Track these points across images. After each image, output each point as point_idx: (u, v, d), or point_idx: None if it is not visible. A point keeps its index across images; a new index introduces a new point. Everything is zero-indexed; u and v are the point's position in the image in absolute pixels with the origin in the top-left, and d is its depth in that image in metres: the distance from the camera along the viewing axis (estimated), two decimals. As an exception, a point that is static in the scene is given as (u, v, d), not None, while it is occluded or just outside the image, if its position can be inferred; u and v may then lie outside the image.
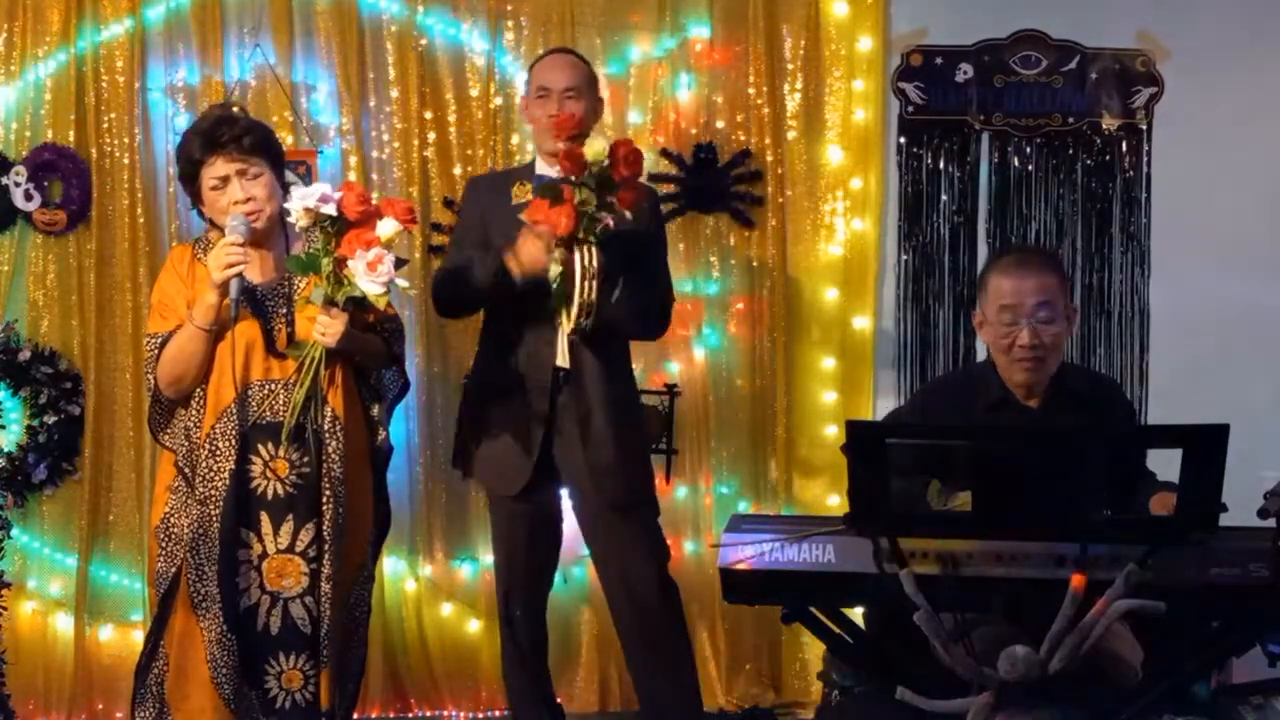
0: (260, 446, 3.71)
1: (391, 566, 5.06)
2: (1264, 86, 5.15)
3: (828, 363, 5.22)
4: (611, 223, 3.86)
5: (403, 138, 5.09)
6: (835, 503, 5.03)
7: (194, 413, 3.76)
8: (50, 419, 4.97)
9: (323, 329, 3.68)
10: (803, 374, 5.22)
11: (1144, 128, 5.20)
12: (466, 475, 4.35)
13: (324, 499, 3.72)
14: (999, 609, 3.28)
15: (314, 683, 3.71)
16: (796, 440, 5.21)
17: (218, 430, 3.72)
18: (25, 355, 4.94)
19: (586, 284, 3.84)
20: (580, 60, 4.33)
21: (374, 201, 3.75)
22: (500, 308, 4.15)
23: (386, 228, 3.69)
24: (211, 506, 3.69)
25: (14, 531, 4.85)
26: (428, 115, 5.09)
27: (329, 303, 3.68)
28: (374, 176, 5.08)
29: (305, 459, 3.71)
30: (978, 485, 3.13)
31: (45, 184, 4.96)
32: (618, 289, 3.96)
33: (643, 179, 4.10)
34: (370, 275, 3.62)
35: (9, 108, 5.00)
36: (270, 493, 3.70)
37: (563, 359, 4.11)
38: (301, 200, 3.64)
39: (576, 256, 3.83)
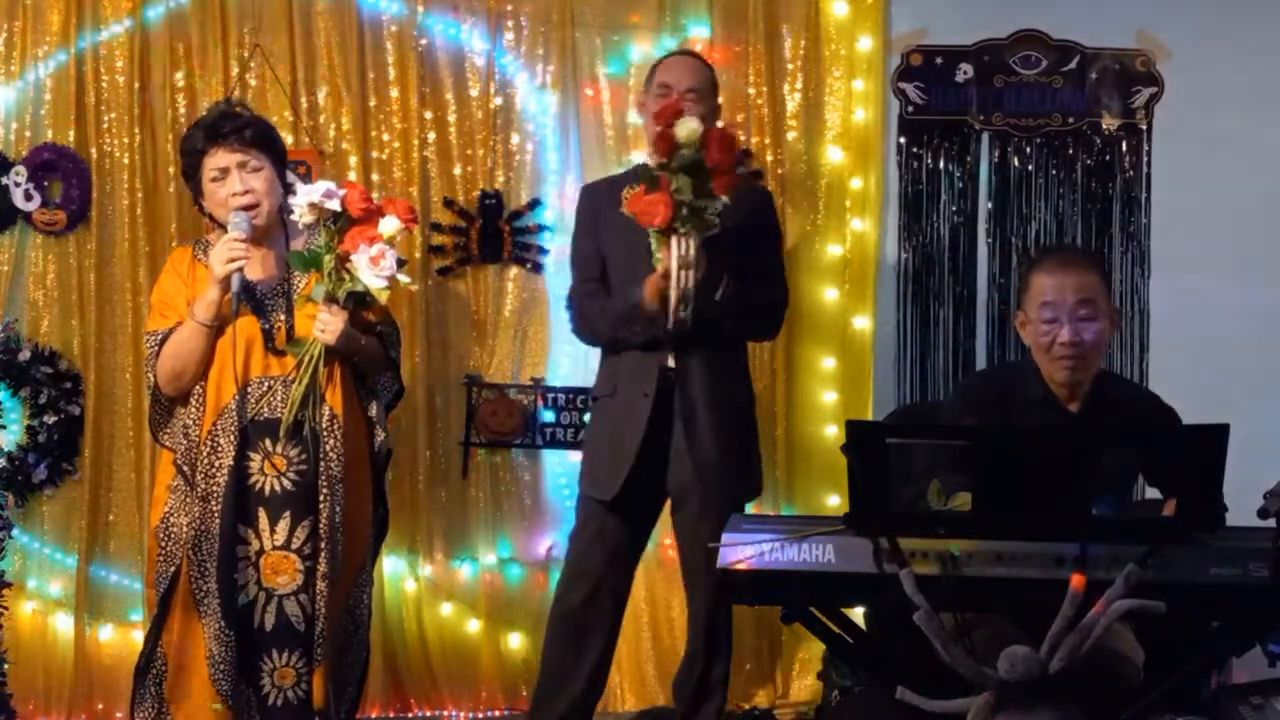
0: (259, 442, 3.71)
1: (391, 566, 5.06)
2: (1264, 86, 5.15)
3: (828, 363, 5.22)
4: (717, 219, 3.86)
5: (403, 138, 5.09)
6: (835, 503, 5.03)
7: (193, 410, 3.77)
8: (50, 419, 4.97)
9: (323, 325, 3.69)
10: (803, 374, 5.22)
11: (1144, 128, 5.20)
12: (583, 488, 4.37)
13: (321, 497, 3.72)
14: (999, 609, 3.29)
15: (306, 680, 3.71)
16: (796, 440, 5.21)
17: (219, 427, 3.72)
18: (25, 355, 4.94)
19: (683, 274, 3.83)
20: (704, 64, 4.37)
21: (375, 201, 3.77)
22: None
23: (389, 225, 3.70)
24: (213, 503, 3.70)
25: (14, 531, 4.85)
26: (428, 115, 5.09)
27: (330, 299, 3.68)
28: (374, 176, 5.07)
29: (303, 456, 3.72)
30: (978, 485, 3.13)
31: (45, 184, 4.96)
32: (723, 287, 3.98)
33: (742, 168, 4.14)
34: (373, 269, 3.64)
35: (9, 108, 5.00)
36: (268, 489, 3.71)
37: (670, 359, 4.14)
38: (306, 195, 3.65)
39: (673, 246, 3.82)
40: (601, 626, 4.30)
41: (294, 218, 3.76)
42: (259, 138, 3.80)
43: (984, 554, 3.06)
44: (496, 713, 5.08)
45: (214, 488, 3.70)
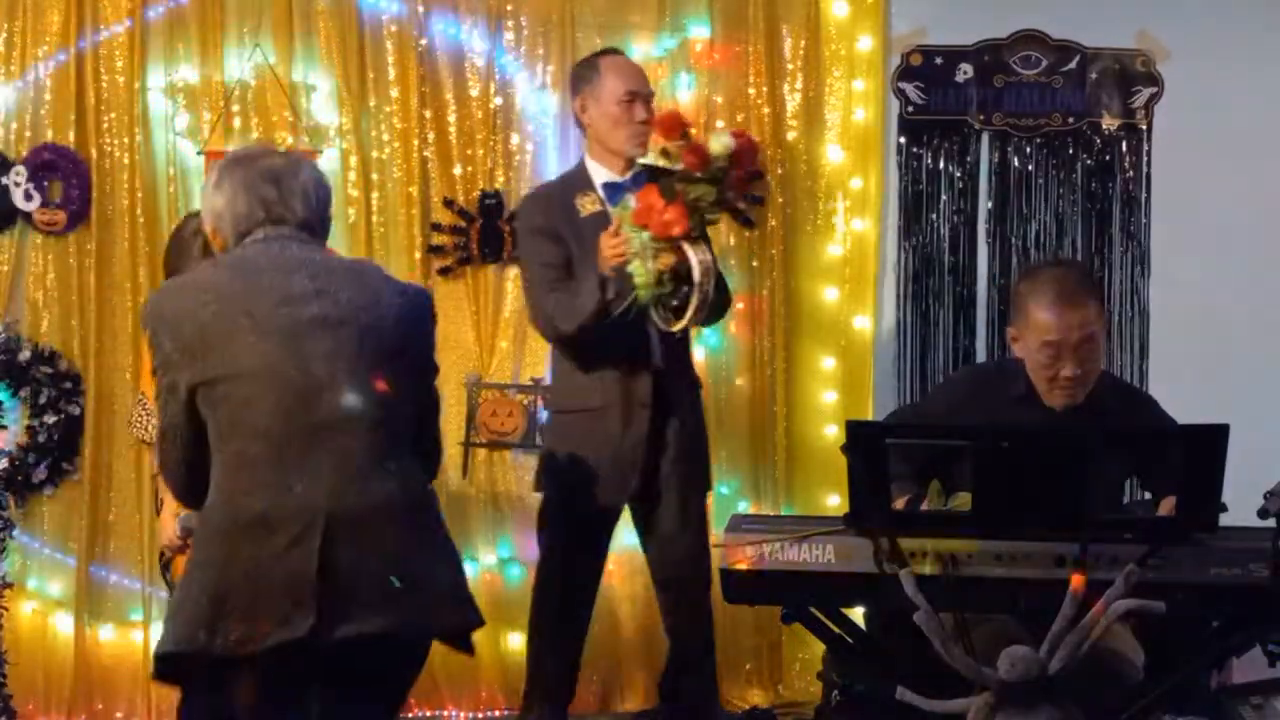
0: None
1: (391, 566, 5.05)
2: (1264, 86, 5.15)
3: (828, 363, 5.22)
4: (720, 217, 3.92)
5: (403, 138, 5.08)
6: (835, 503, 5.02)
7: None
8: (50, 419, 4.97)
9: None
10: (803, 374, 5.22)
11: (1144, 128, 5.20)
12: (544, 493, 4.34)
13: None
14: (999, 609, 3.29)
15: None
16: (796, 440, 5.21)
17: None
18: (25, 355, 4.94)
19: (707, 279, 3.84)
20: None
21: None
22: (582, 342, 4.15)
23: None
24: None
25: (14, 531, 4.85)
26: (428, 115, 5.09)
27: None
28: (374, 176, 5.08)
29: None
30: (978, 485, 3.13)
31: (45, 184, 4.96)
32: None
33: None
34: None
35: (9, 108, 5.00)
36: None
37: (658, 360, 4.15)
38: None
39: (693, 254, 3.83)
40: (576, 627, 4.32)
41: None
42: None
43: (984, 554, 3.06)
44: (496, 713, 5.08)
45: None
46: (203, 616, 2.72)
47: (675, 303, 3.92)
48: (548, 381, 5.09)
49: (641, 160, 4.01)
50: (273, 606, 2.70)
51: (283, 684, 2.76)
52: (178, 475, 2.92)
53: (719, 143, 3.81)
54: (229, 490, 2.79)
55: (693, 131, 3.95)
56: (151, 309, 2.88)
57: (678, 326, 3.96)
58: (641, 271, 3.87)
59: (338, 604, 2.72)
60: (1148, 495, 3.81)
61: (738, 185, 3.90)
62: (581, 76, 4.30)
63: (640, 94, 4.21)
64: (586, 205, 4.18)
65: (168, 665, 2.81)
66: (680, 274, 3.87)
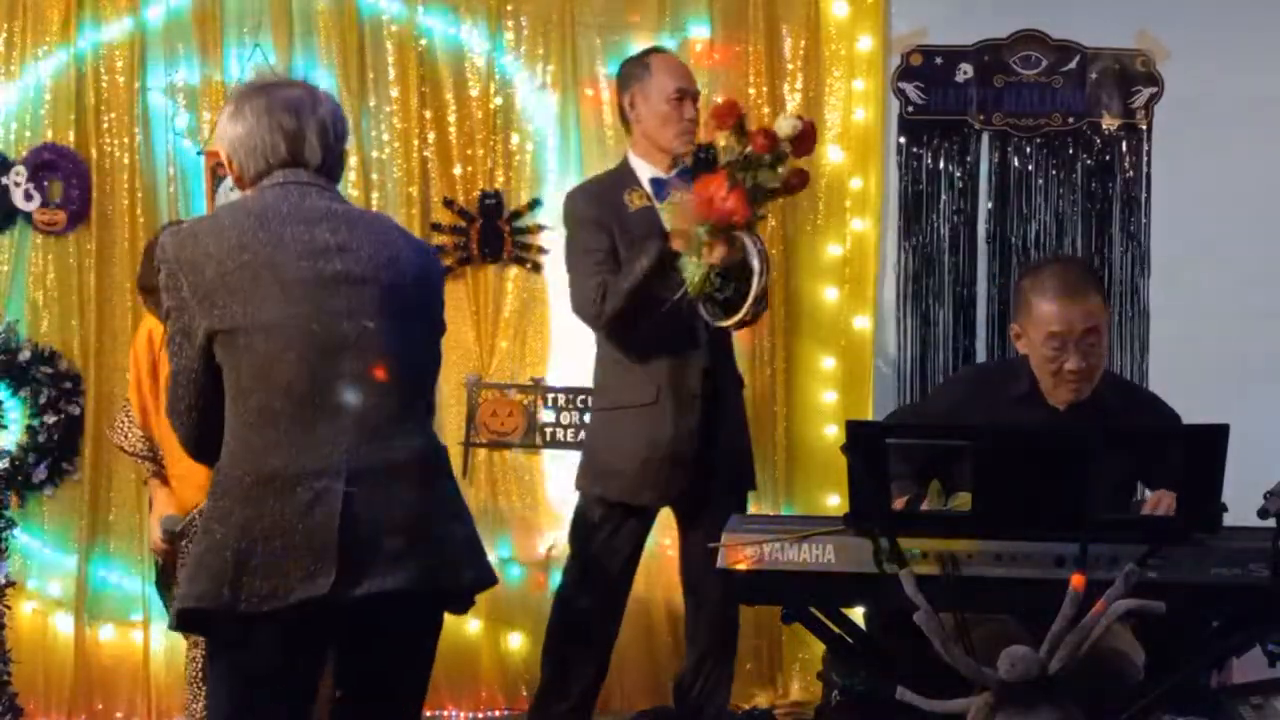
0: None
1: (391, 566, 5.05)
2: (1264, 86, 5.15)
3: (828, 363, 5.22)
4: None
5: (403, 138, 5.09)
6: (835, 503, 5.03)
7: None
8: (50, 419, 4.97)
9: None
10: (803, 374, 5.22)
11: (1144, 128, 5.20)
12: (586, 492, 4.31)
13: None
14: (999, 609, 3.29)
15: None
16: (796, 440, 5.21)
17: None
18: (25, 355, 4.95)
19: (765, 268, 3.85)
20: None
21: None
22: (627, 324, 4.12)
23: None
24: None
25: (14, 531, 4.85)
26: (428, 115, 5.09)
27: None
28: (374, 176, 5.08)
29: None
30: (978, 485, 3.13)
31: (45, 184, 4.97)
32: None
33: None
34: None
35: (9, 108, 5.00)
36: None
37: (707, 354, 4.16)
38: None
39: (750, 243, 3.83)
40: (609, 629, 4.30)
41: None
42: None
43: (984, 554, 3.06)
44: (496, 713, 5.08)
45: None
46: (226, 573, 2.71)
47: (723, 297, 3.92)
48: (548, 382, 5.12)
49: (691, 150, 4.01)
50: (296, 564, 2.71)
51: (305, 640, 2.77)
52: (186, 421, 2.89)
53: (787, 124, 3.83)
54: (250, 445, 2.78)
55: (746, 119, 3.94)
56: (172, 251, 2.83)
57: (733, 320, 3.95)
58: (691, 266, 3.88)
59: (358, 562, 2.73)
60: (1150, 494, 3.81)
61: (796, 172, 3.91)
62: (631, 74, 4.30)
63: (689, 92, 4.23)
64: (634, 200, 4.19)
65: (188, 621, 2.81)
66: (729, 270, 3.87)
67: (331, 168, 2.97)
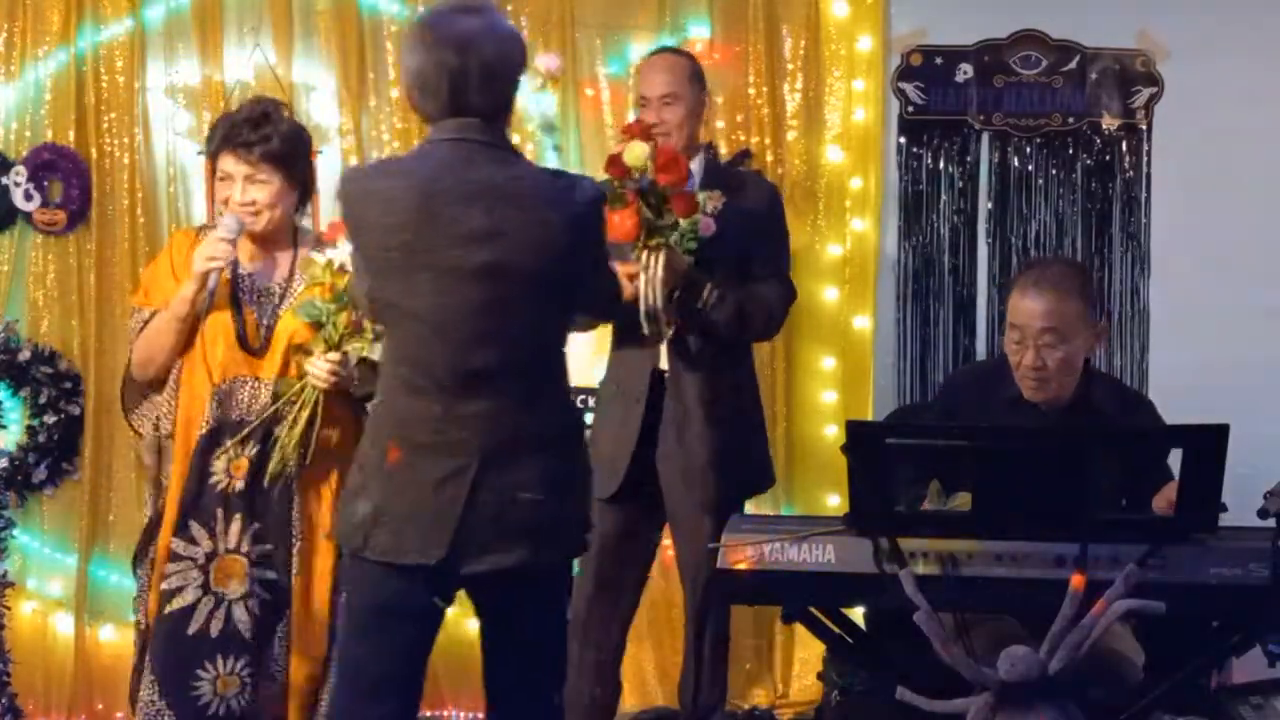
0: (227, 441, 3.67)
1: (391, 566, 5.05)
2: (1264, 86, 5.15)
3: (828, 362, 5.22)
4: (693, 243, 3.92)
5: (403, 138, 5.08)
6: (835, 503, 5.03)
7: (165, 403, 3.75)
8: (50, 419, 4.97)
9: (318, 372, 3.63)
10: (803, 374, 5.22)
11: (1144, 128, 5.20)
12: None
13: (274, 500, 3.68)
14: (999, 609, 3.29)
15: (250, 689, 3.66)
16: (796, 440, 5.21)
17: (190, 420, 3.69)
18: (25, 355, 4.94)
19: (650, 290, 3.88)
20: (679, 58, 4.33)
21: None
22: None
23: None
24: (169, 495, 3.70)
25: (14, 531, 4.85)
26: (428, 115, 5.09)
27: (333, 348, 3.63)
28: (374, 176, 5.07)
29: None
30: (978, 485, 3.13)
31: (45, 184, 4.96)
32: (706, 295, 4.00)
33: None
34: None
35: (9, 108, 5.00)
36: (229, 489, 3.66)
37: (662, 361, 4.15)
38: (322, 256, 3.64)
39: (640, 261, 3.87)
40: (609, 624, 4.30)
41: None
42: (269, 154, 3.73)
43: (984, 554, 3.06)
44: (496, 713, 5.07)
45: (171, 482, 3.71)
46: (365, 523, 3.02)
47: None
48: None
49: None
50: (417, 533, 2.99)
51: (423, 589, 3.07)
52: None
53: (631, 153, 3.86)
54: (396, 410, 3.05)
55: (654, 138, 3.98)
56: (344, 202, 3.07)
57: (645, 335, 3.98)
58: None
59: (473, 542, 2.99)
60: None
61: (677, 200, 3.91)
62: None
63: (651, 99, 4.20)
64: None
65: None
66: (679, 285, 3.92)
67: (497, 115, 3.00)
